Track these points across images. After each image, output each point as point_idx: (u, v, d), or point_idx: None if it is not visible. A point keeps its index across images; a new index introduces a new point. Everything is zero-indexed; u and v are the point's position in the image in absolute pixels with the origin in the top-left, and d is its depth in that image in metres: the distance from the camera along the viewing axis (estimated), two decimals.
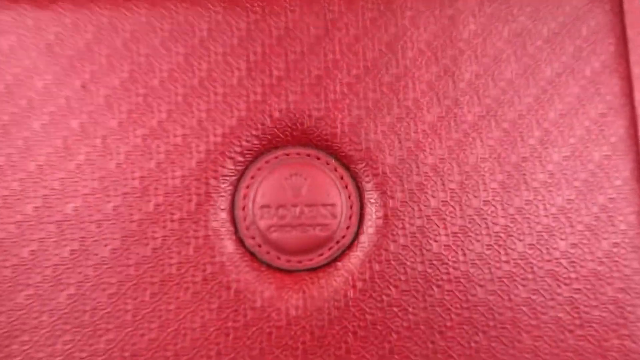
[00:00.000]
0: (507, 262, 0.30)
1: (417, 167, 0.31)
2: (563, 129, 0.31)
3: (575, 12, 0.32)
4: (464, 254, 0.30)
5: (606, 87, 0.32)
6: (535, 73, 0.32)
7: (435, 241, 0.30)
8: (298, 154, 0.31)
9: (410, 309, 0.30)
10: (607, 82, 0.32)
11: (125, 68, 0.31)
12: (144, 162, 0.31)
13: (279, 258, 0.30)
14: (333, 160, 0.31)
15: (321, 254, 0.30)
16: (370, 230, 0.31)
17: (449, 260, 0.30)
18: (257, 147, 0.31)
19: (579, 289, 0.30)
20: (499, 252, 0.30)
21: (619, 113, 0.31)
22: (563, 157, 0.31)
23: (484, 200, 0.31)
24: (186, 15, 0.32)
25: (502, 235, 0.30)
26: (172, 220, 0.30)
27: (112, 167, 0.31)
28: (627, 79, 0.32)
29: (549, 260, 0.30)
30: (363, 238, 0.30)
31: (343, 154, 0.31)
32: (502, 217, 0.31)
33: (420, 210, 0.31)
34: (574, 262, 0.30)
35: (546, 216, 0.31)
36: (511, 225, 0.30)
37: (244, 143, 0.31)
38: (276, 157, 0.31)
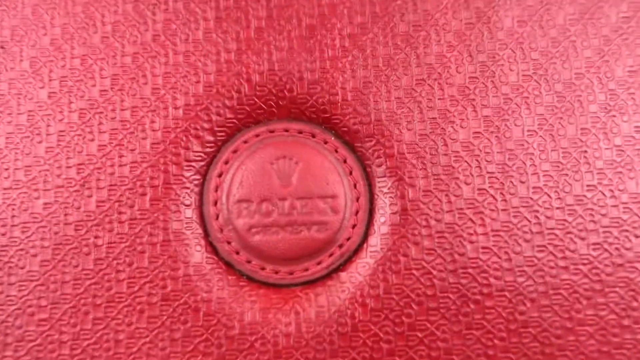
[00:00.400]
0: (565, 268, 0.23)
1: (445, 144, 0.23)
2: (634, 92, 0.24)
3: None
4: (509, 259, 0.23)
5: None
6: (596, 18, 0.24)
7: (471, 242, 0.23)
8: (286, 130, 0.24)
9: (440, 334, 0.22)
10: None
11: (57, 22, 0.24)
12: (82, 145, 0.23)
13: (263, 269, 0.23)
14: (332, 138, 0.24)
15: (319, 262, 0.23)
16: (384, 229, 0.23)
17: (489, 267, 0.23)
18: (231, 123, 0.23)
19: None
20: (555, 256, 0.23)
21: None
22: (635, 127, 0.24)
23: (533, 187, 0.23)
24: None
25: (557, 233, 0.23)
26: (120, 222, 0.23)
27: (40, 152, 0.23)
28: None
29: (620, 265, 0.23)
30: (374, 240, 0.23)
31: (346, 129, 0.24)
32: (558, 208, 0.23)
33: (449, 202, 0.23)
34: None
35: (615, 206, 0.23)
36: (569, 219, 0.23)
37: (215, 117, 0.23)
38: (257, 136, 0.24)
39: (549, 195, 0.23)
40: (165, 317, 0.23)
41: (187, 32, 0.24)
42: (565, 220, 0.23)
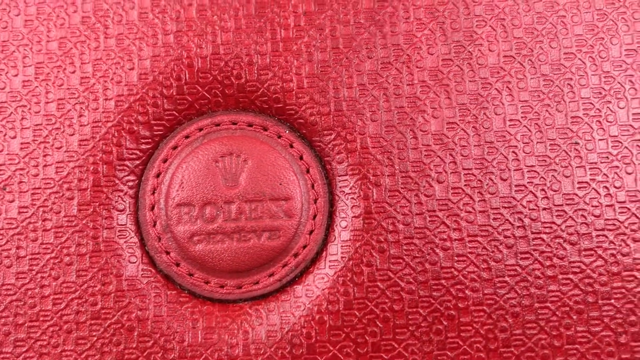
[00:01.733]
0: (553, 278, 0.20)
1: (414, 137, 0.20)
2: (633, 74, 0.21)
3: None
4: (488, 268, 0.20)
5: None
6: None
7: (444, 249, 0.20)
8: (234, 123, 0.21)
9: (409, 355, 0.20)
10: None
11: None
12: (2, 143, 0.20)
13: (207, 282, 0.20)
14: (287, 132, 0.21)
15: (271, 274, 0.20)
16: (345, 235, 0.20)
17: (464, 278, 0.20)
18: (170, 115, 0.21)
19: None
20: (541, 264, 0.20)
21: None
22: (633, 115, 0.21)
23: (516, 185, 0.20)
24: None
25: (544, 237, 0.20)
26: (45, 230, 0.20)
27: None
28: None
29: (616, 274, 0.20)
30: (334, 248, 0.20)
31: (302, 121, 0.21)
32: (545, 209, 0.20)
33: (419, 203, 0.20)
34: None
35: (610, 206, 0.20)
36: (558, 222, 0.20)
37: (151, 109, 0.20)
38: (200, 130, 0.21)
39: (534, 194, 0.20)
40: (95, 339, 0.20)
41: (120, 12, 0.21)
42: (553, 222, 0.20)
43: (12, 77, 0.21)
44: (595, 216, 0.20)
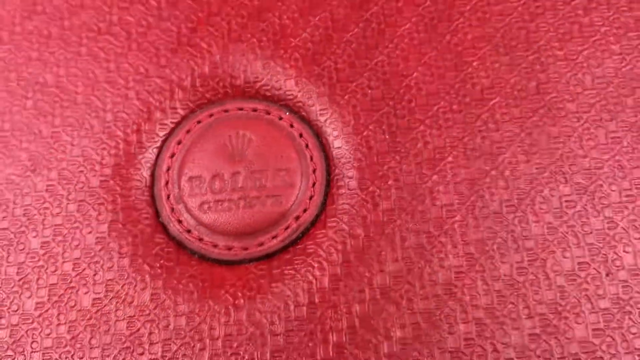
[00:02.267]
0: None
1: (404, 90, 0.22)
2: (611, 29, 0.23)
3: None
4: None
5: None
6: None
7: (435, 205, 0.21)
8: (241, 109, 0.23)
9: (405, 303, 0.20)
10: None
11: None
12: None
13: (215, 246, 0.22)
14: (287, 114, 0.23)
15: (275, 237, 0.22)
16: (341, 199, 0.22)
17: (459, 225, 0.21)
18: (185, 105, 0.23)
19: None
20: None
21: None
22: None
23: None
24: None
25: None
26: (69, 200, 0.22)
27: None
28: None
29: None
30: (332, 211, 0.22)
31: (300, 103, 0.23)
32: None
33: (407, 163, 0.22)
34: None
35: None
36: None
37: (166, 100, 0.23)
38: (211, 115, 0.23)
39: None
40: (105, 305, 0.21)
41: (134, 6, 0.25)
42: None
43: (41, 73, 0.24)
44: None
